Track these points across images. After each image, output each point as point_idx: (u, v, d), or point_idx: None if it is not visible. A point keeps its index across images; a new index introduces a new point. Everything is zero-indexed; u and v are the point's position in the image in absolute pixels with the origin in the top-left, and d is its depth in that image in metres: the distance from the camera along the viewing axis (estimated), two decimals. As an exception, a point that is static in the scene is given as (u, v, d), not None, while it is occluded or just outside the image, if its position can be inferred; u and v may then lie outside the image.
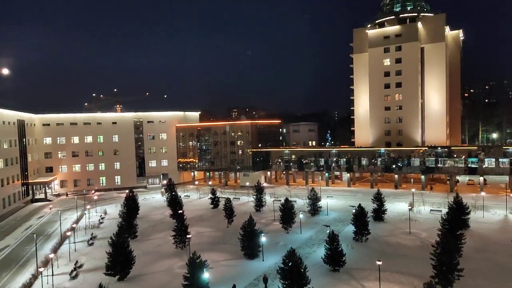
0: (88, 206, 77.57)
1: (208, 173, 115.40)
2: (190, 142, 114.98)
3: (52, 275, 42.66)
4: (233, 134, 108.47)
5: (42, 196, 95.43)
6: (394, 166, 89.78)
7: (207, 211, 75.86)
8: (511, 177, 79.36)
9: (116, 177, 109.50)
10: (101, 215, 74.08)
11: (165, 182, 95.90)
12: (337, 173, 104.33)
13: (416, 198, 73.86)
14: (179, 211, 60.96)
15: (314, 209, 67.77)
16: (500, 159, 79.11)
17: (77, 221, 69.37)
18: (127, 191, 75.12)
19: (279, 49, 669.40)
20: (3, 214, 76.04)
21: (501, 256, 44.68)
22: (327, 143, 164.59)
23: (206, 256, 41.14)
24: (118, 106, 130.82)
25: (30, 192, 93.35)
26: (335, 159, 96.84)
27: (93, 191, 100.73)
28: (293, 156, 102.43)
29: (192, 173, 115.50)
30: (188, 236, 51.25)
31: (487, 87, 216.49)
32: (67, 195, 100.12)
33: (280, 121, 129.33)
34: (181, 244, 51.96)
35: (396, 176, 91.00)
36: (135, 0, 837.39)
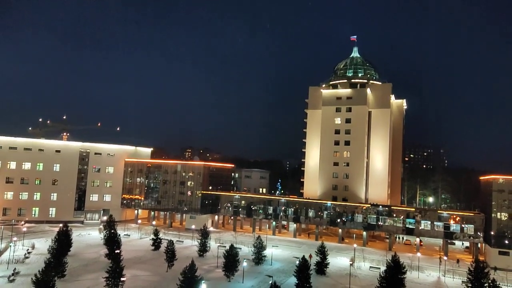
0: (15, 238, 70.45)
1: (153, 213, 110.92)
2: (138, 179, 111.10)
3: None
4: (184, 174, 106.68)
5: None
6: (338, 220, 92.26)
7: (147, 252, 72.05)
8: (445, 240, 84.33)
9: (51, 208, 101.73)
10: (27, 249, 67.65)
11: (105, 218, 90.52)
12: (284, 222, 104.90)
13: (357, 253, 75.71)
14: (116, 251, 57.48)
15: (259, 258, 66.96)
16: (435, 222, 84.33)
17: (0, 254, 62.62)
18: (61, 225, 69.74)
19: (238, 96, 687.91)
20: None
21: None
22: (277, 192, 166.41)
23: (140, 302, 38.60)
24: (65, 134, 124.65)
25: None
26: (283, 208, 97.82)
27: (22, 222, 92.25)
28: (243, 202, 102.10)
29: (136, 211, 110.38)
30: (122, 279, 48.01)
31: (425, 153, 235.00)
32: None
33: (233, 165, 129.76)
34: (114, 287, 48.42)
35: (340, 230, 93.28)
36: (92, 28, 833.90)
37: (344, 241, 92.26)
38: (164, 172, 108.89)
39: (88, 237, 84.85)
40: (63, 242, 62.01)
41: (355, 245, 78.64)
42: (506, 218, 77.52)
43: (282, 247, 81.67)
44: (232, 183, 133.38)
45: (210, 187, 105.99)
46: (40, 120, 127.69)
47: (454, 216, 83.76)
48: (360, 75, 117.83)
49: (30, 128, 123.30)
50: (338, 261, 71.92)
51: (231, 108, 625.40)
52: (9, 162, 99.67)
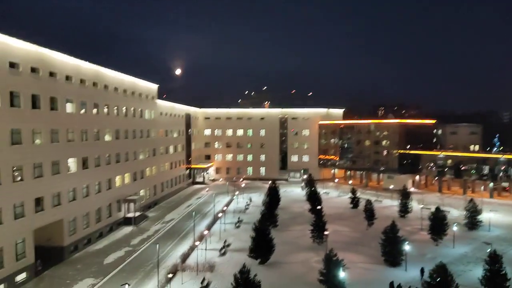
0: (237, 192, 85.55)
1: (348, 172, 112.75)
2: (332, 140, 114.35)
3: (206, 249, 48.76)
4: (378, 133, 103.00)
5: (201, 179, 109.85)
6: None
7: (346, 210, 74.27)
8: None
9: (261, 168, 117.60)
10: (247, 202, 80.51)
11: (305, 177, 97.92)
12: (506, 184, 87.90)
13: None
14: (318, 207, 61.41)
15: (473, 223, 58.83)
16: None
17: (227, 205, 77.42)
18: (270, 182, 79.52)
19: (437, 42, 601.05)
20: (171, 192, 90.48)
21: None
22: (494, 149, 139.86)
23: (343, 255, 40.31)
24: (266, 102, 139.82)
25: (192, 175, 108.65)
26: (503, 167, 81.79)
27: (241, 179, 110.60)
28: (449, 161, 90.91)
29: (332, 171, 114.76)
30: (325, 232, 51.21)
31: None
32: (219, 180, 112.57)
33: (434, 121, 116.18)
34: (318, 239, 52.30)
35: None
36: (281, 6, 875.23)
37: None
38: (357, 132, 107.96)
39: (292, 193, 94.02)
40: (273, 196, 70.64)
41: None
42: None
43: (503, 212, 69.14)
44: (434, 140, 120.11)
45: (408, 146, 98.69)
46: (246, 92, 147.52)
47: None
48: None
49: (240, 100, 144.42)
50: None
51: (425, 57, 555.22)
52: (227, 130, 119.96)
